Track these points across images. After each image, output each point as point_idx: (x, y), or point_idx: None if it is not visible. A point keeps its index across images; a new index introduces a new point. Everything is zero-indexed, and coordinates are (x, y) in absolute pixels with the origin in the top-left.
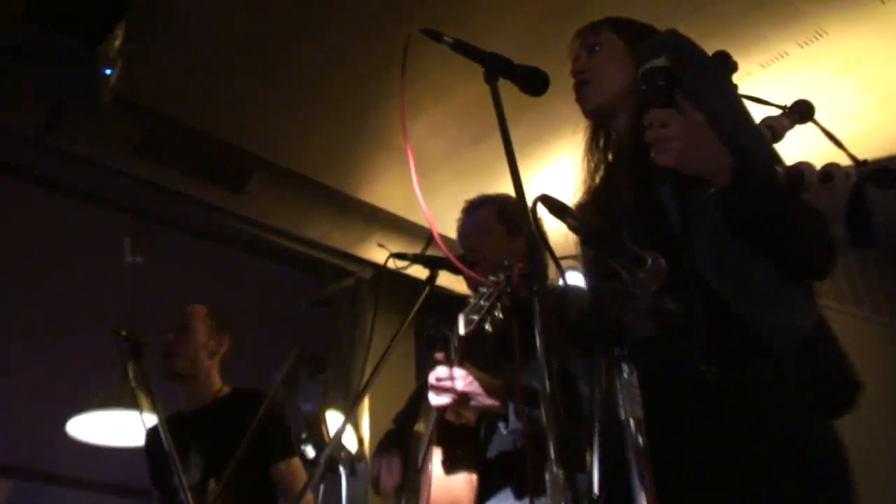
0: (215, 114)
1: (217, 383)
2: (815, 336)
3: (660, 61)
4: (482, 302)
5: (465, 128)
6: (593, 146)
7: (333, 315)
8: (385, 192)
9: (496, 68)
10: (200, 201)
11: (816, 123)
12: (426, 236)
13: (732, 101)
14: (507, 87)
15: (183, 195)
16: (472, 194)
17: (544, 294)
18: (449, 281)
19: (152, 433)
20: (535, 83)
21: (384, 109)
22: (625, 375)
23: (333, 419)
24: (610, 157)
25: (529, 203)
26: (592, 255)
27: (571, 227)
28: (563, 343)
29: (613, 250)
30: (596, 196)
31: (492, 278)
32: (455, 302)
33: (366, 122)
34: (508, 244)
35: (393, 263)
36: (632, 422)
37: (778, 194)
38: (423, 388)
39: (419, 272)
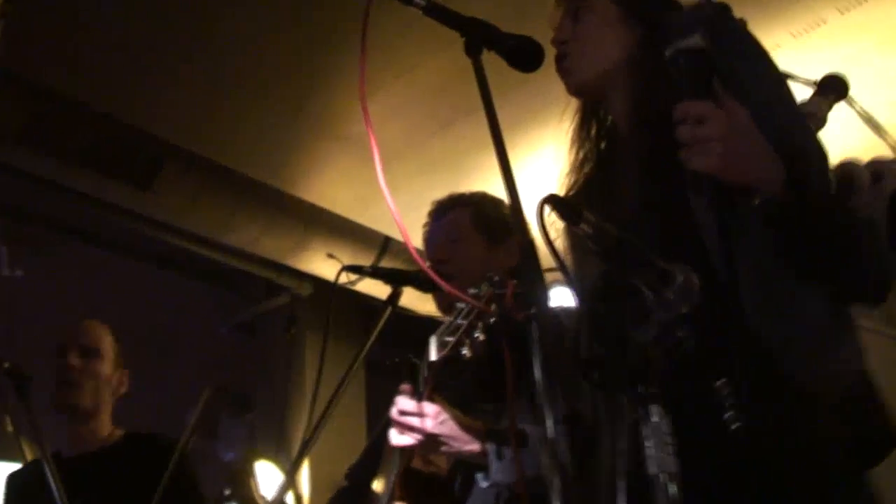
0: (119, 93)
1: (108, 425)
2: (856, 381)
3: (693, 41)
4: (459, 320)
5: (431, 110)
6: (582, 133)
7: (262, 342)
8: (329, 190)
9: (479, 38)
10: (97, 200)
11: (852, 104)
12: (379, 243)
13: (783, 93)
14: (485, 62)
15: (75, 192)
16: (439, 191)
17: (546, 316)
18: (411, 299)
19: (16, 484)
20: (527, 56)
21: (327, 91)
22: (653, 419)
23: (264, 471)
24: (603, 146)
25: (535, 205)
26: (596, 269)
27: (586, 236)
28: (572, 377)
29: (635, 264)
30: (583, 194)
31: (472, 291)
32: (416, 326)
33: (305, 105)
34: (486, 255)
35: (346, 278)
36: (663, 478)
37: (838, 209)
38: (382, 434)
39: (373, 288)
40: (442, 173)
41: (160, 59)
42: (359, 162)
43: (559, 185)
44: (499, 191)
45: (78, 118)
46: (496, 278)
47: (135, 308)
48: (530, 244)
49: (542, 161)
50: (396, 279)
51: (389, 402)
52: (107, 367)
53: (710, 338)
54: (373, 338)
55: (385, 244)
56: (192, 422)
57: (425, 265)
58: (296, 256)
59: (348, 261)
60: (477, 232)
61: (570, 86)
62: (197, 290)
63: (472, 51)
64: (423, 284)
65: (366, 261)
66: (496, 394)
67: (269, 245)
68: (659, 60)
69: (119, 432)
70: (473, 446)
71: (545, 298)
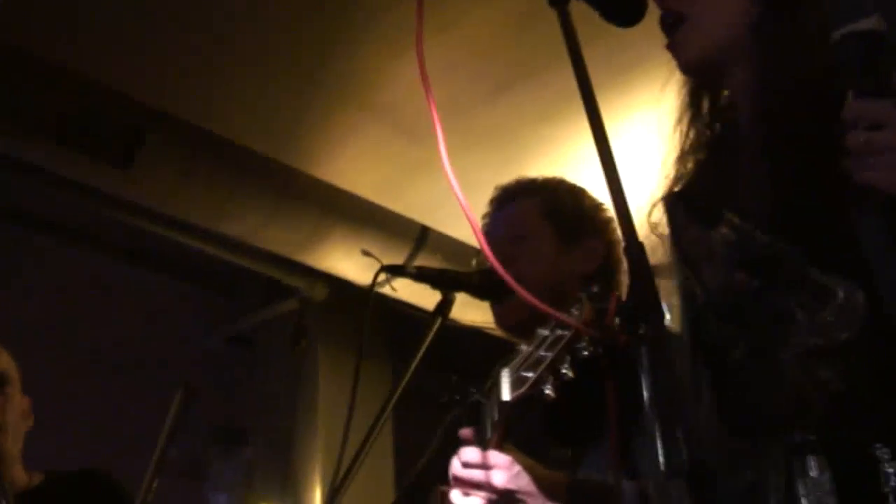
0: (93, 50)
1: (23, 473)
2: None
3: (871, 23)
4: (542, 352)
5: (481, 72)
6: (691, 110)
7: (263, 358)
8: (351, 169)
9: None
10: (63, 179)
11: None
12: (413, 235)
13: None
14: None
15: (37, 169)
16: (489, 171)
17: (660, 339)
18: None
19: None
20: (626, 6)
21: (350, 50)
22: (811, 473)
23: None
24: (717, 128)
25: (645, 197)
26: (718, 282)
27: (723, 242)
28: (692, 417)
29: (787, 278)
30: (693, 189)
31: (574, 312)
32: (457, 339)
33: (322, 67)
34: (557, 257)
35: (388, 282)
36: None
37: None
38: (420, 485)
39: (411, 292)
40: (493, 149)
41: (141, 8)
42: (389, 136)
43: (662, 174)
44: (562, 171)
45: (42, 80)
46: (595, 289)
47: (101, 315)
48: (640, 247)
49: (629, 137)
50: (449, 283)
51: (422, 439)
52: (17, 395)
53: (867, 381)
54: (418, 358)
55: (422, 236)
56: (165, 432)
57: (508, 277)
58: (308, 251)
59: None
60: (549, 227)
61: (684, 63)
62: (182, 293)
63: None
64: (482, 291)
65: (397, 257)
66: (572, 437)
67: (276, 236)
68: (795, 27)
69: (37, 477)
70: None
71: (660, 316)
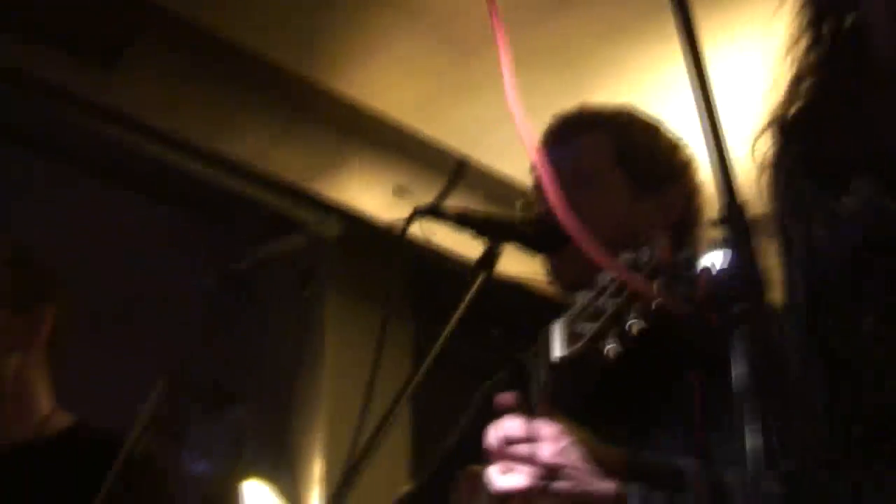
0: None
1: (44, 406)
2: None
3: None
4: (601, 302)
5: None
6: (811, 36)
7: (262, 303)
8: (378, 83)
9: None
10: (36, 80)
11: None
12: (449, 167)
13: None
14: None
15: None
16: (542, 94)
17: (761, 322)
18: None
19: None
20: None
21: None
22: None
23: (255, 495)
24: (841, 60)
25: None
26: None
27: (854, 215)
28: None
29: None
30: (810, 132)
31: (626, 256)
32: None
33: None
34: (631, 208)
35: (420, 228)
36: None
37: None
38: (449, 464)
39: (447, 238)
40: (552, 70)
41: None
42: (430, 46)
43: (765, 107)
44: (633, 101)
45: None
46: (662, 240)
47: (73, 243)
48: (739, 208)
49: (727, 65)
50: (498, 231)
51: (447, 409)
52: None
53: None
54: (455, 320)
55: (459, 170)
56: (139, 425)
57: (571, 220)
58: (322, 179)
59: (401, 193)
60: (620, 170)
61: None
62: (172, 223)
63: None
64: (537, 241)
65: (427, 193)
66: (633, 410)
67: (284, 160)
68: None
69: (65, 420)
70: (607, 487)
71: (760, 291)
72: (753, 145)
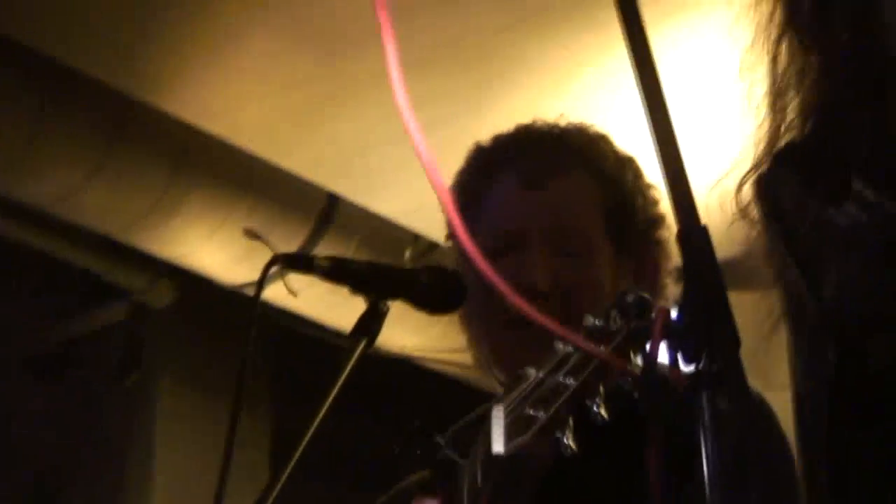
0: None
1: None
2: None
3: None
4: (560, 378)
5: None
6: (787, 13)
7: (73, 394)
8: (225, 104)
9: None
10: None
11: None
12: (315, 207)
13: None
14: None
15: None
16: (449, 104)
17: (734, 381)
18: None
19: None
20: None
21: None
22: None
23: None
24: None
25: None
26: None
27: (859, 226)
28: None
29: None
30: (802, 145)
31: (591, 322)
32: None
33: None
34: (615, 270)
35: (282, 279)
36: None
37: None
38: None
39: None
40: (442, 73)
41: None
42: (283, 49)
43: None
44: (551, 106)
45: None
46: (630, 297)
47: None
48: (702, 234)
49: (684, 49)
50: (383, 283)
51: None
52: None
53: None
54: (330, 398)
55: (328, 210)
56: None
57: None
58: (148, 230)
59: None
60: (606, 229)
61: None
62: None
63: None
64: (432, 299)
65: (286, 241)
66: None
67: (99, 204)
68: None
69: None
70: None
71: (733, 342)
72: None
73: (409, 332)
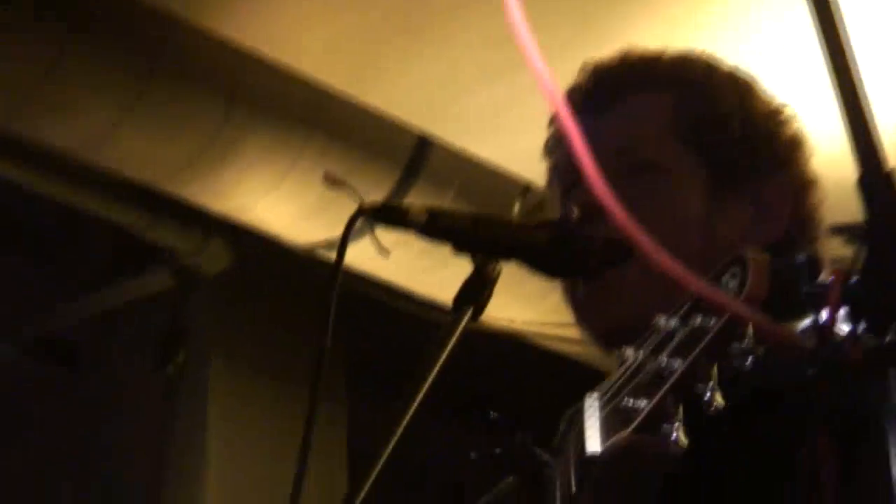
0: None
1: None
2: None
3: None
4: (664, 359)
5: None
6: None
7: (98, 383)
8: (293, 29)
9: None
10: None
11: None
12: (403, 152)
13: None
14: None
15: None
16: (567, 38)
17: None
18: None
19: None
20: None
21: None
22: None
23: None
24: None
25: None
26: None
27: None
28: None
29: None
30: None
31: (728, 281)
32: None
33: None
34: (708, 210)
35: (368, 237)
36: None
37: None
38: None
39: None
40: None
41: None
42: None
43: None
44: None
45: None
46: (800, 257)
47: None
48: (888, 180)
49: None
50: (492, 241)
51: None
52: None
53: None
54: (424, 389)
55: (418, 153)
56: None
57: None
58: (198, 176)
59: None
60: (691, 153)
61: None
62: None
63: None
64: (554, 259)
65: (369, 194)
66: None
67: (137, 145)
68: None
69: None
70: None
71: None
72: None
73: (518, 303)
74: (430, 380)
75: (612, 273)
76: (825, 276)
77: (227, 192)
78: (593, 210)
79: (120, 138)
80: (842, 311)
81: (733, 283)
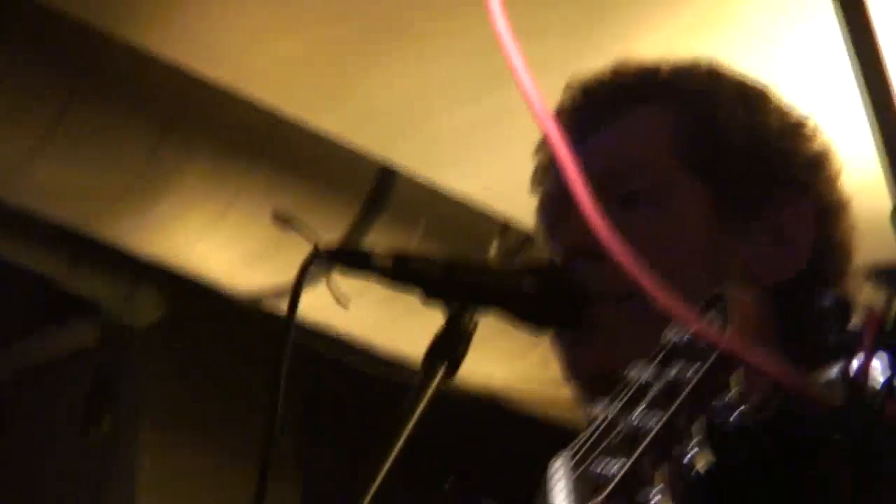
0: None
1: None
2: None
3: None
4: (640, 415)
5: None
6: None
7: (15, 449)
8: (237, 48)
9: None
10: None
11: None
12: (363, 184)
13: None
14: None
15: None
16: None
17: None
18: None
19: None
20: None
21: None
22: None
23: None
24: None
25: None
26: None
27: None
28: None
29: None
30: None
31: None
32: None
33: None
34: (715, 238)
35: (332, 285)
36: None
37: None
38: None
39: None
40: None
41: None
42: None
43: None
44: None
45: None
46: (827, 300)
47: None
48: None
49: None
50: (470, 287)
51: None
52: None
53: None
54: (408, 427)
55: (380, 188)
56: None
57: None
58: (126, 215)
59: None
60: (693, 175)
61: None
62: None
63: None
64: (542, 307)
65: (325, 232)
66: None
67: (56, 179)
68: None
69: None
70: None
71: None
72: None
73: (496, 360)
74: (396, 447)
75: (607, 312)
76: (856, 321)
77: (160, 233)
78: (585, 249)
79: (35, 170)
80: (876, 361)
81: (717, 318)
